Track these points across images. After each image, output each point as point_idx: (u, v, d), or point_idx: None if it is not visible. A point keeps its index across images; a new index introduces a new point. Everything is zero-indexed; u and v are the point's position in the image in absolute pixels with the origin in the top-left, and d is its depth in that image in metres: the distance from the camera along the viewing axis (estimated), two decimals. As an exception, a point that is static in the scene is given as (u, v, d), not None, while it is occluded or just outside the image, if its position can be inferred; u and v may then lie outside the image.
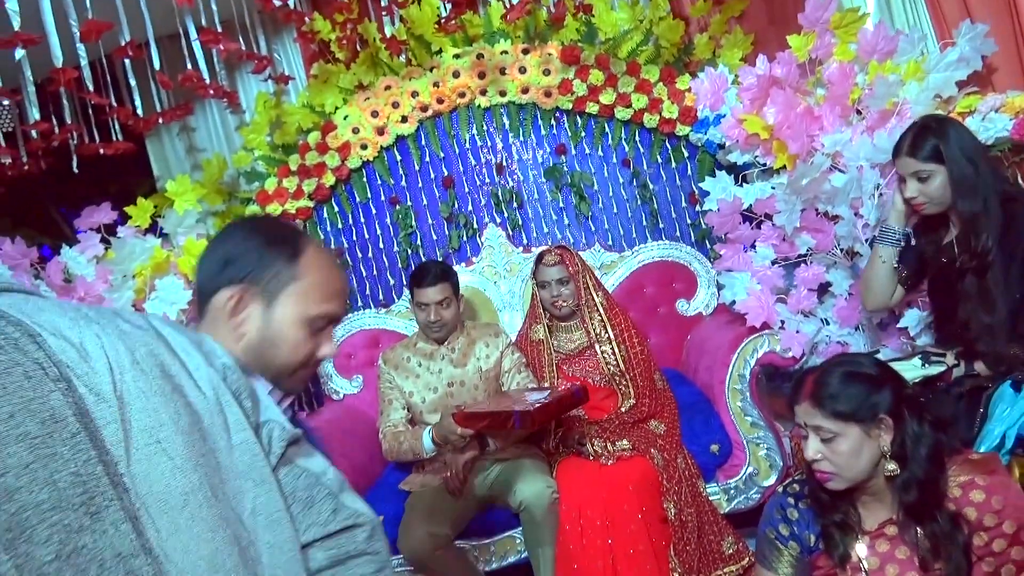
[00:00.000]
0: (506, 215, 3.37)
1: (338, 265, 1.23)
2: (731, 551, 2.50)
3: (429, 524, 2.34)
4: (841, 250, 2.62)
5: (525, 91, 3.26)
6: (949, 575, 1.42)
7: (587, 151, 3.35)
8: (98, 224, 2.82)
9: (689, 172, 3.32)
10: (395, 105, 3.26)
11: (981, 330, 2.01)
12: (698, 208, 3.21)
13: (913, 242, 2.22)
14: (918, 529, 1.47)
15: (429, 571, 2.35)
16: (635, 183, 3.34)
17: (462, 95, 3.28)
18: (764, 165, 2.74)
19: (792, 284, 2.71)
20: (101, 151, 2.85)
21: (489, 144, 3.37)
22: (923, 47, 2.53)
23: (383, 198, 3.37)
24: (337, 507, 0.90)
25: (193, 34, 2.63)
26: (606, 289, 2.92)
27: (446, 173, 3.36)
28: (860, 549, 1.51)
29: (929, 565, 1.44)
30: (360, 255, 3.39)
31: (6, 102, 2.91)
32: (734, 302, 2.74)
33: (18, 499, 0.62)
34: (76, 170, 2.80)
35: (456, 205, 3.37)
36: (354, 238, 3.38)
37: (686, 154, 3.31)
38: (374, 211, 3.36)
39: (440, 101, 3.28)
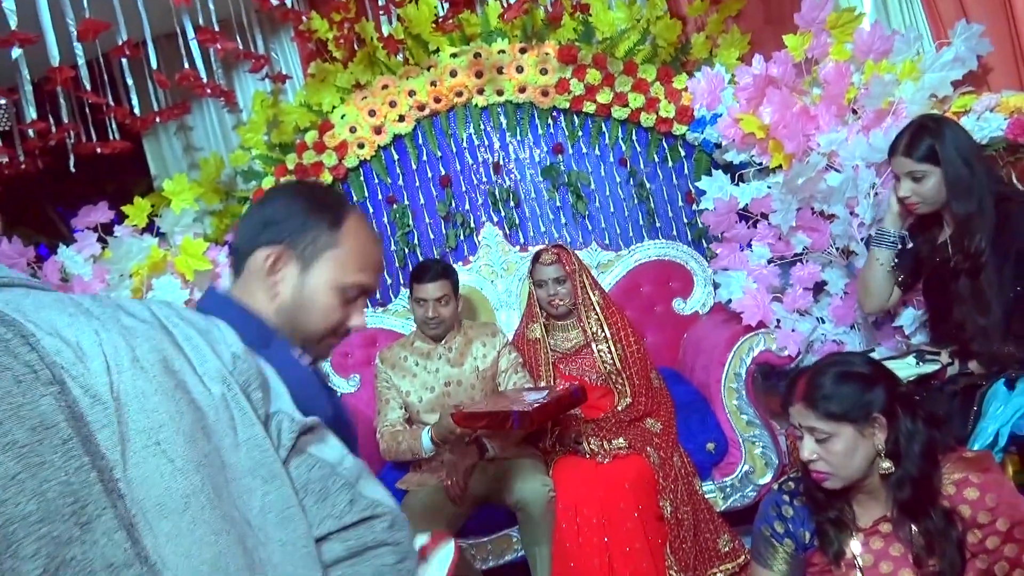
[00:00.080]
0: (503, 214, 3.38)
1: (377, 239, 1.22)
2: (727, 549, 2.51)
3: (426, 523, 2.34)
4: (837, 249, 2.63)
5: (522, 90, 3.27)
6: (943, 572, 1.43)
7: (584, 150, 3.36)
8: (95, 223, 2.82)
9: (686, 171, 3.33)
10: (392, 104, 3.26)
11: (976, 331, 2.03)
12: (694, 207, 3.21)
13: (909, 244, 2.23)
14: (912, 526, 1.48)
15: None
16: (632, 182, 3.35)
17: (459, 94, 3.28)
18: (760, 164, 2.75)
19: (788, 283, 2.72)
20: (98, 150, 2.85)
21: (486, 143, 3.37)
22: (919, 47, 2.54)
23: (380, 197, 3.37)
24: (354, 498, 0.85)
25: (190, 33, 2.63)
26: (602, 288, 2.93)
27: (443, 172, 3.37)
28: (854, 546, 1.52)
29: (923, 562, 1.45)
30: (357, 254, 3.39)
31: (3, 101, 2.91)
32: (730, 301, 2.74)
33: (4, 512, 0.59)
34: (73, 169, 2.80)
35: (453, 204, 3.37)
36: (351, 237, 3.37)
37: (683, 153, 3.32)
38: (371, 210, 3.36)
39: (437, 100, 3.28)
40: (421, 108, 3.29)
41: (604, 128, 3.33)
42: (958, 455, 1.52)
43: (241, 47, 2.87)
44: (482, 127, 3.35)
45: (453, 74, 3.25)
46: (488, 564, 2.58)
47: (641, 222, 3.37)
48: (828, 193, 2.50)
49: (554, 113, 3.33)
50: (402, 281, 3.33)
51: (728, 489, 2.69)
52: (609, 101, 3.21)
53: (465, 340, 2.72)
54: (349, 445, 1.16)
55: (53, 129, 2.77)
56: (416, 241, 3.38)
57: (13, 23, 2.08)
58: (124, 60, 2.60)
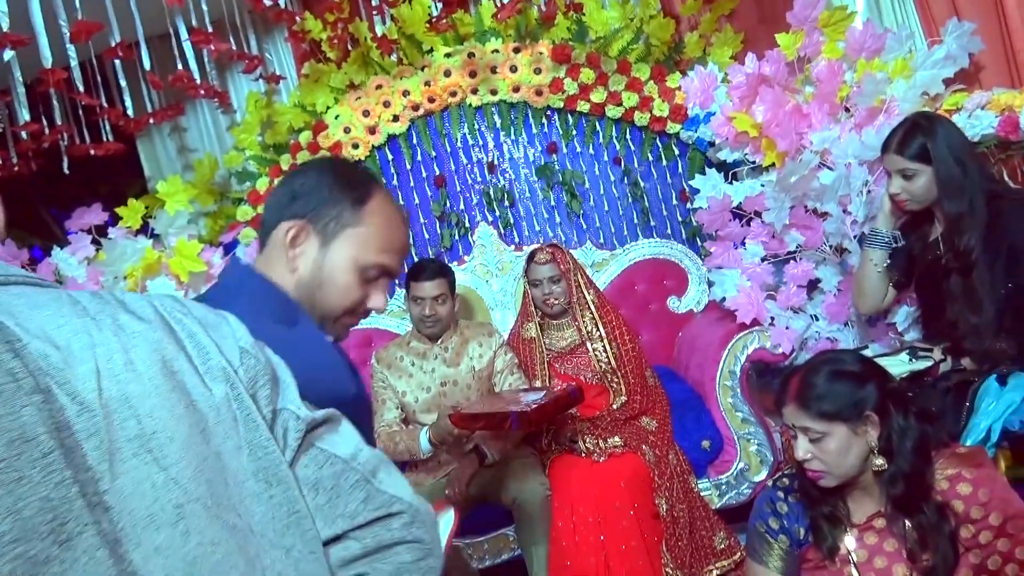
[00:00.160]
0: (498, 214, 3.38)
1: (404, 221, 1.20)
2: (723, 546, 2.52)
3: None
4: (830, 247, 2.64)
5: (516, 90, 3.27)
6: (936, 566, 1.44)
7: (578, 149, 3.36)
8: (89, 225, 2.82)
9: (680, 170, 3.33)
10: (386, 104, 3.26)
11: (968, 329, 2.04)
12: (688, 206, 3.22)
13: (901, 243, 2.24)
14: (906, 521, 1.48)
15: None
16: (626, 181, 3.36)
17: (453, 94, 3.29)
18: (753, 163, 2.77)
19: (782, 281, 2.73)
20: (92, 152, 2.85)
21: (480, 143, 3.37)
22: (911, 45, 2.55)
23: (375, 197, 3.36)
24: (369, 495, 0.80)
25: (184, 34, 2.63)
26: (597, 287, 2.93)
27: (438, 172, 3.37)
28: (849, 542, 1.53)
29: (917, 557, 1.46)
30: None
31: (-4, 103, 2.90)
32: (724, 299, 2.75)
33: None
34: (67, 171, 2.80)
35: (448, 204, 3.37)
36: (346, 237, 3.38)
37: (677, 152, 3.33)
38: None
39: (431, 100, 3.28)
40: (415, 108, 3.29)
41: (598, 127, 3.34)
42: (951, 451, 1.53)
43: (235, 48, 2.87)
44: (476, 127, 3.35)
45: (447, 74, 3.25)
46: (485, 563, 2.58)
47: (635, 221, 3.38)
48: (821, 191, 2.51)
49: (548, 112, 3.34)
50: (398, 281, 3.33)
51: (723, 486, 2.69)
52: (603, 100, 3.22)
53: (461, 340, 2.72)
54: (368, 427, 1.14)
55: (46, 131, 2.77)
56: (411, 241, 3.38)
57: (5, 25, 2.08)
58: (117, 61, 2.60)
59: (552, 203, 3.39)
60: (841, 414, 1.46)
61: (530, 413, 2.09)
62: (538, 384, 2.72)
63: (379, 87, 3.26)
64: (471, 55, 3.25)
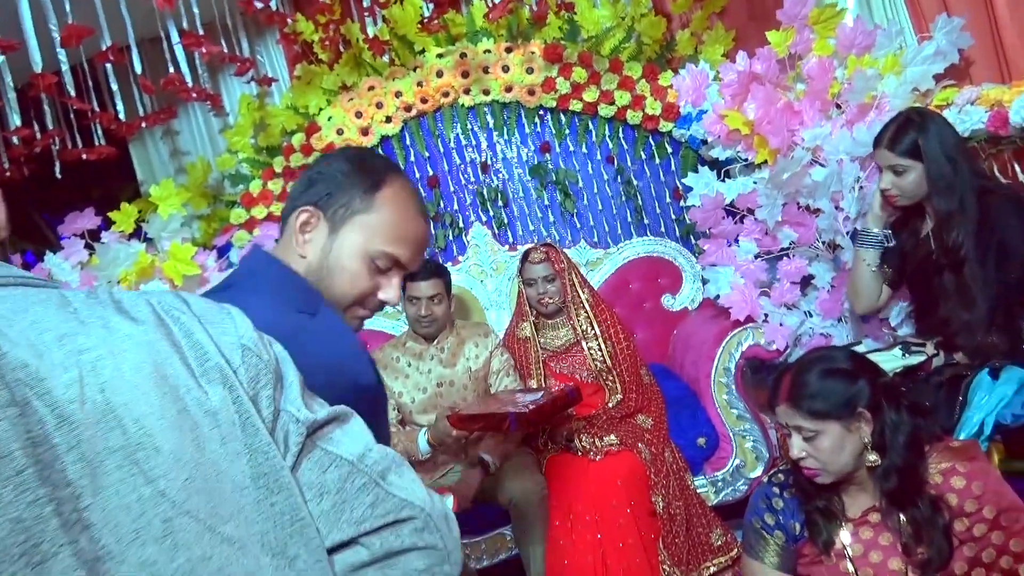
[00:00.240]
0: (491, 214, 3.38)
1: (420, 213, 1.16)
2: (719, 543, 2.52)
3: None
4: (823, 243, 2.65)
5: (509, 90, 3.27)
6: (931, 560, 1.44)
7: (571, 148, 3.37)
8: (82, 230, 2.81)
9: (673, 168, 3.34)
10: (379, 105, 3.26)
11: (961, 326, 2.05)
12: (682, 203, 3.23)
13: (892, 243, 2.25)
14: (901, 516, 1.49)
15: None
16: (619, 180, 3.36)
17: (446, 94, 3.29)
18: (746, 160, 2.77)
19: (775, 277, 2.74)
20: (84, 156, 2.84)
21: (473, 143, 3.37)
22: (901, 41, 2.56)
23: (369, 198, 3.36)
24: (377, 499, 0.76)
25: (175, 37, 2.62)
26: (592, 286, 2.94)
27: (431, 172, 3.37)
28: (844, 536, 1.54)
29: (912, 551, 1.47)
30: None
31: (-14, 108, 2.89)
32: (718, 296, 2.76)
33: None
34: (59, 176, 2.79)
35: (442, 204, 3.37)
36: (340, 239, 3.37)
37: (669, 150, 3.33)
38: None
39: (424, 101, 3.28)
40: (408, 109, 3.29)
41: (591, 126, 3.34)
42: (944, 445, 1.54)
43: (226, 50, 2.86)
44: (469, 127, 3.35)
45: (439, 74, 3.26)
46: (482, 563, 2.58)
47: (629, 219, 3.39)
48: (813, 188, 2.52)
49: (541, 112, 3.34)
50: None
51: (720, 483, 2.70)
52: (595, 99, 3.22)
53: (458, 340, 2.72)
54: (386, 416, 1.12)
55: (38, 135, 2.76)
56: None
57: (-5, 30, 2.07)
58: (108, 65, 2.59)
59: (546, 202, 3.39)
60: (833, 412, 1.47)
61: (529, 414, 2.10)
62: (533, 384, 2.73)
63: (371, 88, 3.26)
64: (463, 55, 3.25)
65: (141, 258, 2.76)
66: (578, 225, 3.40)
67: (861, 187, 2.47)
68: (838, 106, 2.58)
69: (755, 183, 2.68)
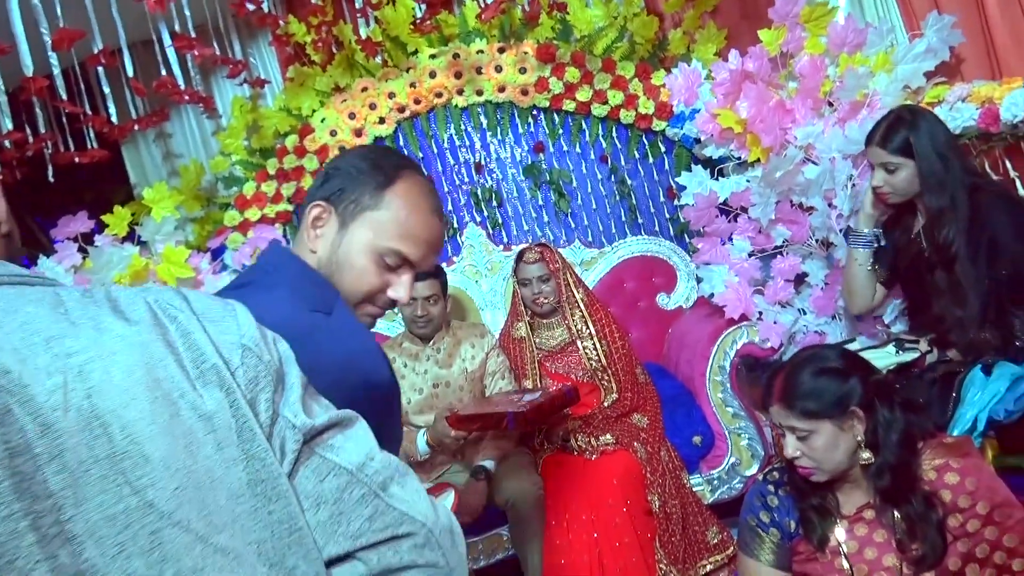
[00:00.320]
0: (486, 214, 3.38)
1: (433, 210, 1.14)
2: (716, 541, 2.53)
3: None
4: (816, 241, 2.66)
5: (502, 90, 3.27)
6: (926, 556, 1.45)
7: (565, 148, 3.37)
8: (75, 233, 2.80)
9: (666, 167, 3.35)
10: (372, 106, 3.26)
11: (954, 322, 2.06)
12: (675, 202, 3.24)
13: (884, 242, 2.26)
14: (895, 512, 1.50)
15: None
16: (613, 179, 3.37)
17: (439, 95, 3.29)
18: (739, 158, 2.78)
19: (769, 275, 2.74)
20: (76, 159, 2.82)
21: (467, 143, 3.37)
22: (892, 39, 2.57)
23: (363, 200, 3.36)
24: (376, 512, 0.72)
25: (167, 40, 2.61)
26: (586, 285, 2.94)
27: (425, 173, 3.36)
28: (839, 533, 1.54)
29: (906, 547, 1.48)
30: (341, 257, 3.39)
31: (-23, 112, 2.88)
32: (713, 295, 2.77)
33: None
34: (51, 179, 2.78)
35: (436, 205, 3.36)
36: (334, 240, 3.37)
37: (663, 149, 3.34)
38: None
39: (417, 101, 3.28)
40: (401, 110, 3.29)
41: (584, 126, 3.34)
42: (938, 441, 1.54)
43: (218, 52, 2.85)
44: (463, 127, 3.35)
45: (432, 75, 3.25)
46: (479, 564, 2.58)
47: (623, 218, 3.39)
48: (806, 186, 2.53)
49: (534, 112, 3.34)
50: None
51: (715, 481, 2.71)
52: (588, 99, 3.23)
53: (454, 341, 2.72)
54: (399, 412, 1.10)
55: (30, 139, 2.75)
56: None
57: (-14, 33, 2.06)
58: (100, 68, 2.58)
59: (540, 202, 3.40)
60: (826, 412, 1.47)
61: (527, 413, 2.10)
62: (528, 384, 2.73)
63: (364, 89, 3.26)
64: (456, 56, 3.25)
65: (135, 261, 2.75)
66: (572, 225, 3.40)
67: (854, 185, 2.48)
68: (830, 104, 2.59)
69: (748, 181, 2.69)
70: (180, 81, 2.68)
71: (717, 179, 2.80)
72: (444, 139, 3.35)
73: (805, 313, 2.75)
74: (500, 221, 3.40)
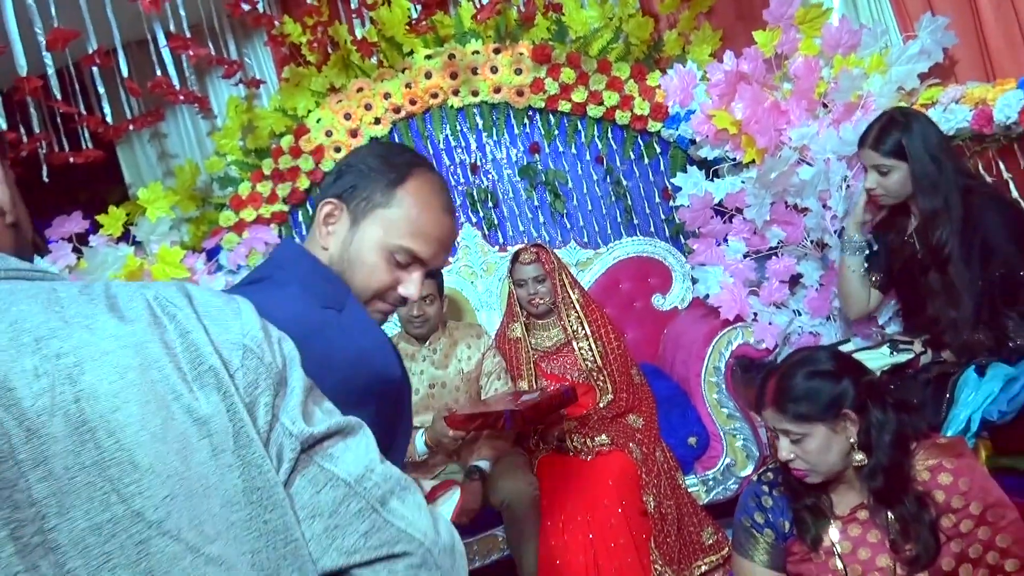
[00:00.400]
0: (481, 215, 3.38)
1: (444, 208, 1.14)
2: (711, 541, 2.53)
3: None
4: (811, 242, 2.66)
5: (497, 91, 3.28)
6: (919, 556, 1.45)
7: (560, 149, 3.37)
8: (69, 233, 2.79)
9: (662, 168, 3.35)
10: (368, 107, 3.26)
11: (948, 324, 2.07)
12: (671, 203, 3.24)
13: (876, 247, 2.27)
14: (888, 513, 1.50)
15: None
16: (609, 180, 3.37)
17: (434, 96, 3.29)
18: (734, 159, 2.78)
19: (764, 276, 2.75)
20: (71, 160, 2.82)
21: (463, 144, 3.37)
22: (886, 40, 2.58)
23: (358, 200, 3.36)
24: (373, 527, 0.69)
25: (162, 40, 2.61)
26: (582, 286, 2.94)
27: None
28: (833, 533, 1.55)
29: (900, 547, 1.48)
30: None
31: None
32: (708, 296, 2.77)
33: None
34: (46, 179, 2.77)
35: (432, 206, 3.36)
36: (330, 241, 3.37)
37: (658, 150, 3.34)
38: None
39: (413, 102, 3.28)
40: (396, 110, 3.28)
41: (580, 126, 3.35)
42: (931, 441, 1.54)
43: (214, 53, 2.85)
44: (458, 128, 3.35)
45: (428, 76, 3.25)
46: (475, 564, 2.58)
47: (619, 219, 3.39)
48: (801, 187, 2.53)
49: (530, 113, 3.34)
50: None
51: (711, 482, 2.71)
52: (584, 100, 3.23)
53: (450, 341, 2.72)
54: (410, 409, 1.11)
55: (24, 139, 2.74)
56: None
57: (-20, 33, 2.06)
58: (95, 68, 2.58)
59: (535, 203, 3.40)
60: (818, 415, 1.47)
61: (524, 412, 2.10)
62: (524, 385, 2.73)
63: (360, 90, 3.25)
64: (451, 57, 3.25)
65: (129, 261, 2.75)
66: (568, 225, 3.41)
67: (848, 186, 2.48)
68: (825, 105, 2.59)
69: (743, 182, 2.69)
70: (175, 81, 2.68)
71: (712, 180, 2.80)
72: (440, 140, 3.35)
73: (800, 314, 2.75)
74: (496, 222, 3.40)
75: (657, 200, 3.38)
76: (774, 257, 2.73)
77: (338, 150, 3.25)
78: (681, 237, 3.32)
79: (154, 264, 2.80)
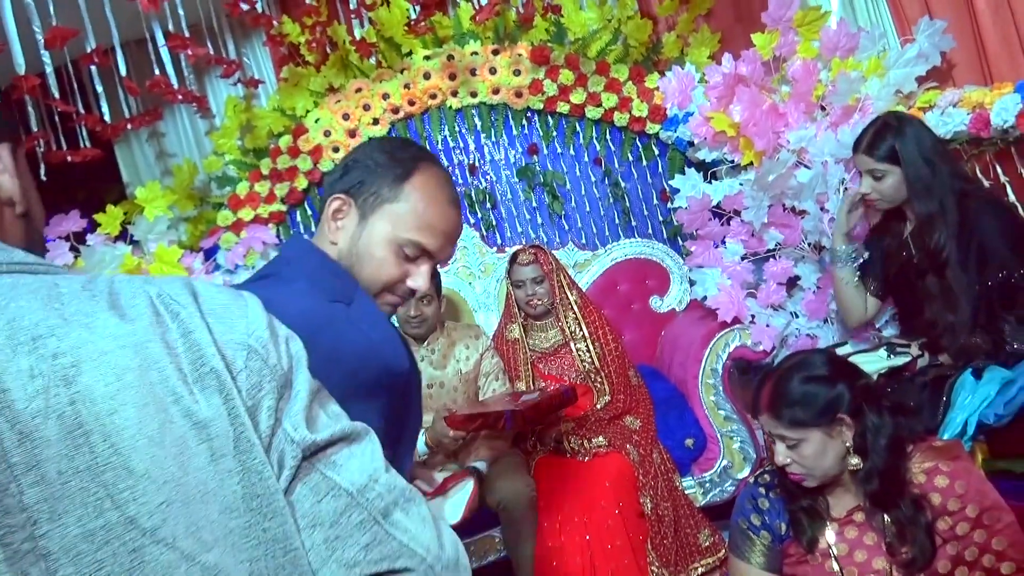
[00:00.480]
0: (479, 215, 3.39)
1: (450, 201, 1.17)
2: (708, 543, 2.54)
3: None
4: (808, 244, 2.67)
5: (496, 92, 3.28)
6: (915, 558, 1.46)
7: (559, 150, 3.38)
8: (67, 232, 2.79)
9: (660, 170, 3.35)
10: (366, 107, 3.26)
11: (945, 328, 2.07)
12: (669, 205, 3.25)
13: (865, 255, 2.28)
14: (884, 516, 1.50)
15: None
16: (607, 181, 3.37)
17: (433, 96, 3.29)
18: (732, 162, 2.79)
19: (761, 279, 2.75)
20: (69, 158, 2.82)
21: (461, 145, 3.38)
22: (884, 43, 2.59)
23: (356, 201, 3.36)
24: (374, 540, 0.66)
25: (160, 39, 2.61)
26: (580, 287, 2.95)
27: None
28: (829, 536, 1.55)
29: (896, 550, 1.48)
30: (334, 258, 3.38)
31: (-31, 110, 2.86)
32: (705, 298, 2.77)
33: None
34: (44, 178, 2.76)
35: (430, 206, 3.36)
36: (328, 241, 3.37)
37: (656, 152, 3.35)
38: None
39: (411, 103, 3.28)
40: (395, 111, 3.28)
41: (578, 128, 3.35)
42: (928, 444, 1.55)
43: (212, 52, 2.85)
44: (456, 129, 3.35)
45: (426, 76, 3.25)
46: (472, 565, 2.57)
47: (617, 221, 3.40)
48: (798, 189, 2.54)
49: (528, 114, 3.35)
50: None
51: (707, 484, 2.71)
52: (583, 101, 3.23)
53: (448, 342, 2.72)
54: (420, 402, 1.12)
55: (22, 138, 2.73)
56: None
57: (-22, 32, 2.05)
58: (93, 67, 2.58)
59: (534, 204, 3.40)
60: (814, 420, 1.48)
61: (524, 411, 2.10)
62: (522, 386, 2.73)
63: (359, 90, 3.25)
64: (450, 57, 3.25)
65: (127, 260, 2.75)
66: (566, 227, 3.41)
67: (846, 189, 2.49)
68: (823, 108, 2.60)
69: (741, 185, 2.70)
70: (174, 81, 2.68)
71: (710, 182, 2.81)
72: (438, 140, 3.35)
73: (797, 316, 2.76)
74: (494, 223, 3.40)
75: (655, 202, 3.39)
76: (772, 259, 2.73)
77: (336, 150, 3.25)
78: (679, 239, 3.33)
79: (151, 263, 2.80)
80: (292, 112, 3.31)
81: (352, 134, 3.26)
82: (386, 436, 0.91)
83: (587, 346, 2.73)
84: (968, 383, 1.89)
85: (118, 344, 0.59)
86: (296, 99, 3.31)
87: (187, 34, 2.63)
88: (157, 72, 2.67)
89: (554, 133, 3.36)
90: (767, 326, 2.70)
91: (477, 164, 3.38)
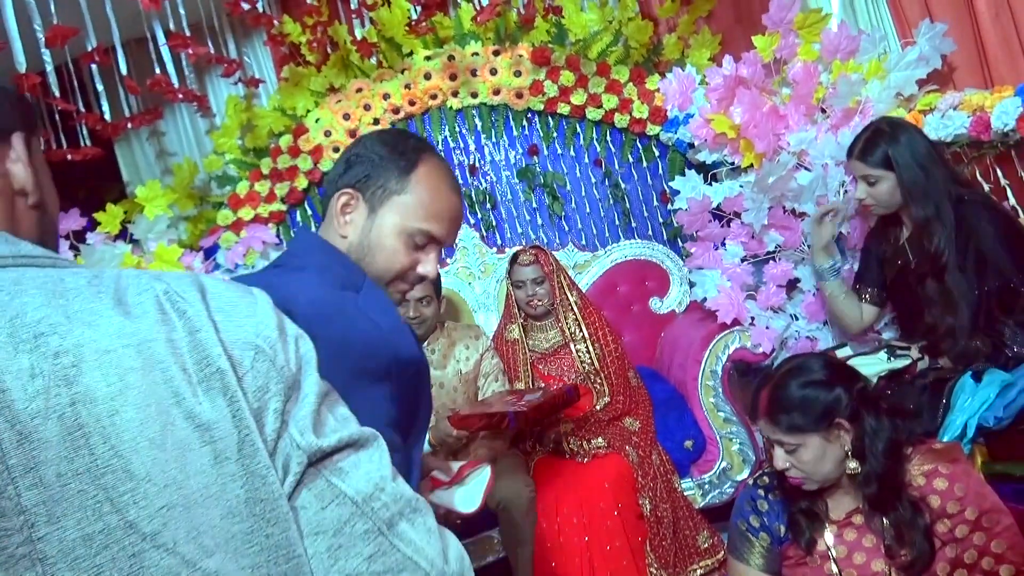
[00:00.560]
0: (480, 216, 3.39)
1: (454, 189, 1.21)
2: (706, 545, 2.54)
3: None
4: (808, 246, 2.66)
5: (496, 92, 3.28)
6: (914, 561, 1.46)
7: (559, 151, 3.38)
8: (67, 231, 2.79)
9: (660, 171, 3.35)
10: (367, 107, 3.26)
11: (945, 331, 2.07)
12: (669, 207, 3.24)
13: (848, 264, 2.29)
14: (883, 518, 1.51)
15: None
16: (607, 183, 3.37)
17: (434, 97, 3.29)
18: (732, 164, 2.79)
19: (761, 281, 2.75)
20: (69, 157, 2.82)
21: (461, 145, 3.38)
22: (884, 46, 2.59)
23: (356, 201, 3.36)
24: (378, 551, 0.65)
25: (161, 38, 2.61)
26: (580, 288, 2.95)
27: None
28: (828, 538, 1.55)
29: (895, 553, 1.48)
30: (334, 258, 3.38)
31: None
32: (705, 299, 2.77)
33: None
34: (43, 177, 2.76)
35: (430, 206, 3.36)
36: (328, 241, 3.37)
37: (657, 153, 3.35)
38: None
39: (412, 103, 3.28)
40: (396, 111, 3.28)
41: (579, 129, 3.35)
42: (927, 447, 1.55)
43: (213, 51, 2.85)
44: (457, 129, 3.35)
45: (427, 77, 3.25)
46: (470, 565, 2.58)
47: (617, 222, 3.40)
48: (799, 191, 2.54)
49: (529, 115, 3.35)
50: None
51: (706, 486, 2.71)
52: (583, 102, 3.23)
53: (448, 342, 2.72)
54: (429, 391, 1.14)
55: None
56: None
57: (-21, 30, 2.05)
58: (94, 66, 2.58)
59: (534, 205, 3.40)
60: (812, 425, 1.48)
61: (528, 411, 2.11)
62: (520, 387, 2.73)
63: (359, 90, 3.25)
64: (451, 58, 3.25)
65: (127, 259, 2.75)
66: (566, 228, 3.41)
67: (846, 191, 2.49)
68: (823, 110, 2.60)
69: (741, 187, 2.70)
70: (174, 80, 2.68)
71: (710, 184, 2.81)
72: (438, 141, 3.35)
73: (797, 318, 2.76)
74: (494, 223, 3.40)
75: (655, 203, 3.39)
76: (771, 261, 2.73)
77: (337, 150, 3.25)
78: (679, 240, 3.33)
79: (151, 262, 2.79)
80: (293, 112, 3.31)
81: (352, 134, 3.26)
82: (397, 425, 0.92)
83: (587, 347, 2.73)
84: (968, 386, 1.89)
85: (121, 343, 0.58)
86: (297, 99, 3.31)
87: (188, 33, 2.64)
88: (158, 71, 2.67)
89: (554, 134, 3.36)
90: (767, 328, 2.70)
91: (477, 165, 3.38)
